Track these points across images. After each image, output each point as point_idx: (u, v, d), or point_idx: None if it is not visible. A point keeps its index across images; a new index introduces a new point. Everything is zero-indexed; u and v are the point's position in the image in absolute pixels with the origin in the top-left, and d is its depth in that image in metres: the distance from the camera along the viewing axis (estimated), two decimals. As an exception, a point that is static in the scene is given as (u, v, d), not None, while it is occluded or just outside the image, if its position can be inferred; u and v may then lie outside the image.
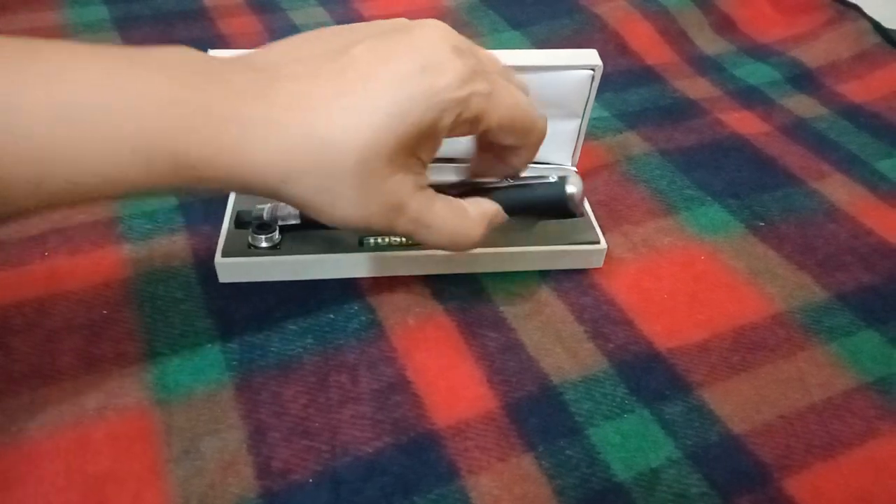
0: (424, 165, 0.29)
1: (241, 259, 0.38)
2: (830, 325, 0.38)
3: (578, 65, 0.39)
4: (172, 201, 0.43)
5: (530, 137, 0.32)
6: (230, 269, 0.38)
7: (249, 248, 0.38)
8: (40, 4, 0.63)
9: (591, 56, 0.39)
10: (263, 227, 0.38)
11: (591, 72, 0.39)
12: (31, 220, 0.41)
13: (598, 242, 0.40)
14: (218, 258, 0.38)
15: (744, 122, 0.54)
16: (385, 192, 0.27)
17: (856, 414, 0.34)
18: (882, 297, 0.40)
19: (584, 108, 0.41)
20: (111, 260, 0.39)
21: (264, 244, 0.38)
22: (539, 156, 0.43)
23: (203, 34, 0.60)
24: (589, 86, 0.40)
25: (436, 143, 0.28)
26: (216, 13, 0.64)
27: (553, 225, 0.41)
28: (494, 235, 0.40)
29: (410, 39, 0.27)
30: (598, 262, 0.41)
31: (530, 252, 0.40)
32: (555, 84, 0.39)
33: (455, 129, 0.28)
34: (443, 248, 0.31)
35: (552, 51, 0.40)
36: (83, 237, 0.40)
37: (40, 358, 0.34)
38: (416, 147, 0.27)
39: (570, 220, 0.42)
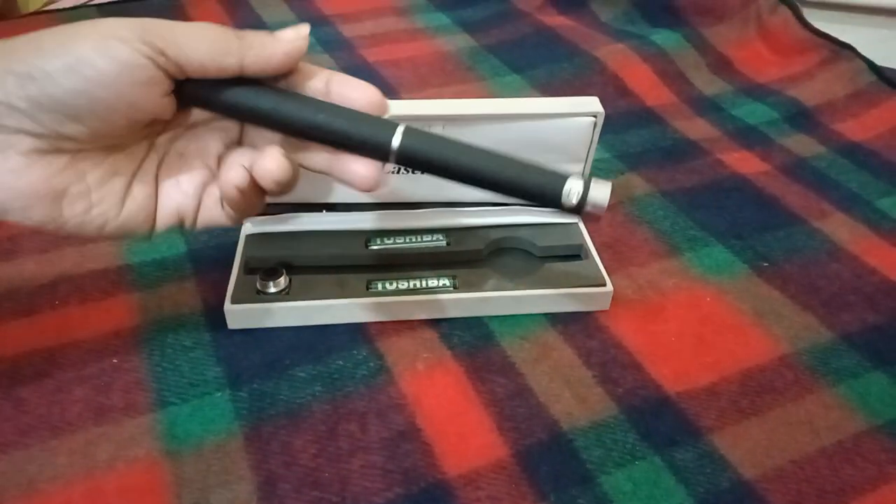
0: None
1: (250, 305, 0.38)
2: (837, 366, 0.38)
3: (580, 112, 0.40)
4: (182, 248, 0.43)
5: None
6: (239, 316, 0.38)
7: (258, 294, 0.39)
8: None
9: (592, 103, 0.40)
10: (272, 272, 0.39)
11: (594, 118, 0.40)
12: (41, 268, 0.41)
13: (604, 285, 0.41)
14: (227, 305, 0.38)
15: (744, 162, 0.55)
16: None
17: (866, 458, 0.34)
18: (888, 338, 0.40)
19: (587, 154, 0.42)
20: (121, 308, 0.39)
21: (273, 290, 0.39)
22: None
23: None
24: (591, 132, 0.41)
25: None
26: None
27: (559, 267, 0.42)
28: (500, 280, 0.41)
29: None
30: (605, 305, 0.41)
31: (536, 295, 0.40)
32: (557, 131, 0.40)
33: None
34: None
35: (554, 99, 0.41)
36: (93, 285, 0.41)
37: (50, 409, 0.34)
38: None
39: (575, 263, 0.42)
